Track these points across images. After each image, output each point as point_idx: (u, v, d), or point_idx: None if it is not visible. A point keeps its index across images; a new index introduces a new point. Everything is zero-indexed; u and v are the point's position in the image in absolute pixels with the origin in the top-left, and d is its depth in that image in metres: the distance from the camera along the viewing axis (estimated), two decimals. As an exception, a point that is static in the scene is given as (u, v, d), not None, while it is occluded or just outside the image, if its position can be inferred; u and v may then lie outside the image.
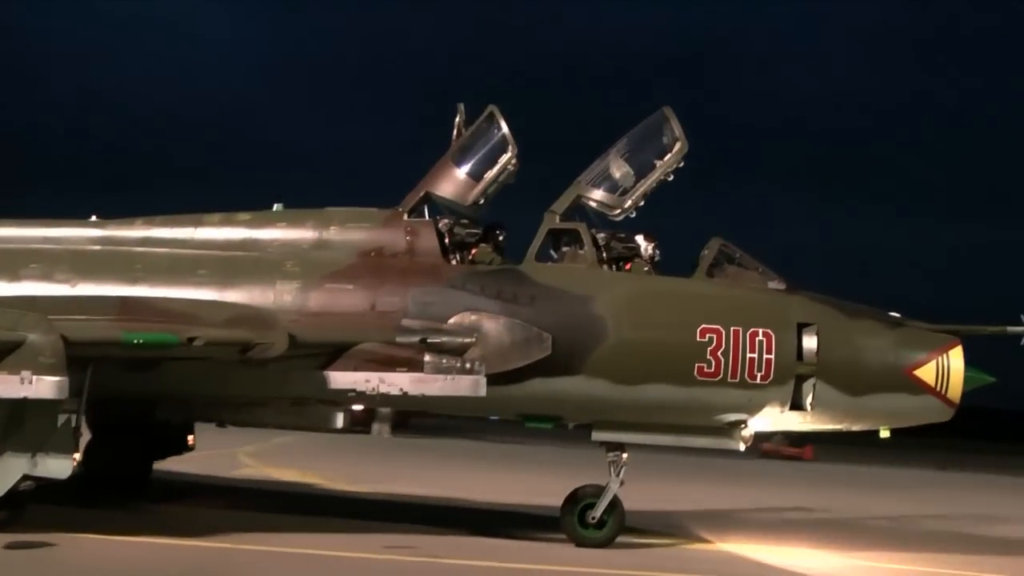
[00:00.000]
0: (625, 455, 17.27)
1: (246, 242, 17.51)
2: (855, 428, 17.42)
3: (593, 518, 17.11)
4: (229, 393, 17.00)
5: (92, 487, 19.47)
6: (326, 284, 16.83)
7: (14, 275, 17.14)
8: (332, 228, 17.43)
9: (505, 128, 17.28)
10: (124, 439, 19.95)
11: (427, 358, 16.14)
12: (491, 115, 17.45)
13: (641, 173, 17.25)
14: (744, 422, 16.94)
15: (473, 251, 17.32)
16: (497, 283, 16.78)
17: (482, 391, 16.06)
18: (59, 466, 15.02)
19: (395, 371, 16.11)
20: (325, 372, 16.18)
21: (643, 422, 17.05)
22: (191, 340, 15.30)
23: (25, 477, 15.09)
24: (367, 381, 16.13)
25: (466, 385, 16.06)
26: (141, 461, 20.26)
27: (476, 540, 17.57)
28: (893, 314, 17.35)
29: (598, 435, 17.22)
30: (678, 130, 17.15)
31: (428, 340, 16.26)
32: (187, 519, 17.58)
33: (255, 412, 17.70)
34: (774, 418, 16.89)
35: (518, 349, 16.32)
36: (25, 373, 14.43)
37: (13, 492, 15.10)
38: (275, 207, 18.15)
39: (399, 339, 16.25)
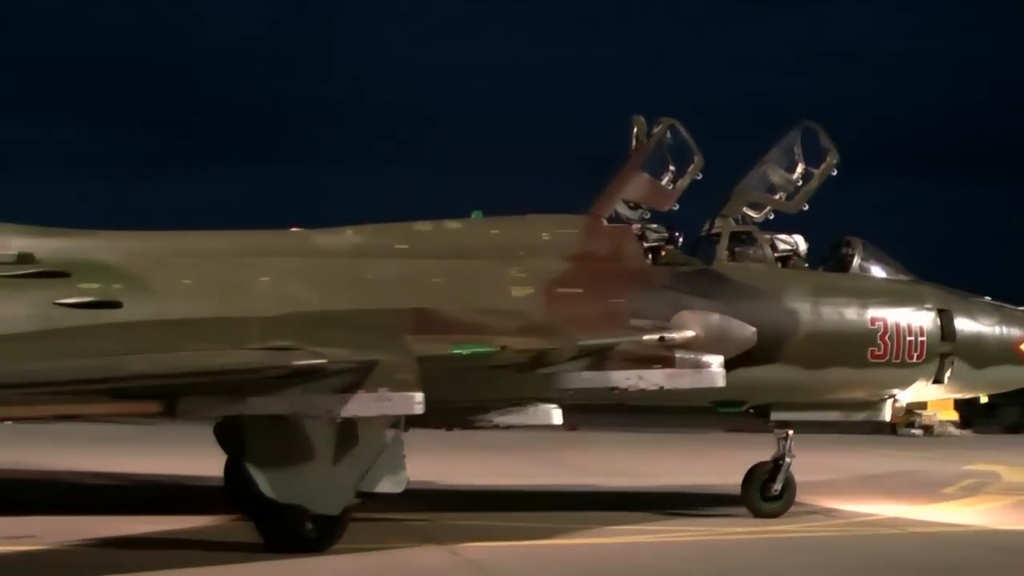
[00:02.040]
0: (792, 432, 19.46)
1: (459, 249, 17.97)
2: (972, 395, 20.56)
3: (774, 491, 19.19)
4: (484, 397, 17.50)
5: (236, 499, 19.29)
6: (557, 289, 17.70)
7: (246, 288, 16.79)
8: (542, 235, 18.27)
9: (690, 138, 18.86)
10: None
11: (678, 355, 17.49)
12: (673, 126, 18.94)
13: (801, 178, 19.34)
14: (895, 396, 19.58)
15: (662, 253, 18.77)
16: (701, 282, 18.39)
17: (722, 383, 17.66)
18: (393, 481, 15.20)
19: (651, 368, 17.35)
20: (589, 373, 17.15)
21: (816, 401, 19.30)
22: (503, 349, 15.91)
23: (358, 494, 15.17)
24: (627, 379, 17.28)
25: (711, 377, 17.59)
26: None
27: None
28: (986, 298, 20.58)
29: (777, 415, 19.30)
30: (828, 141, 19.41)
31: (664, 337, 17.63)
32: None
33: (487, 413, 18.21)
34: (918, 391, 19.67)
35: (731, 342, 18.03)
36: (383, 391, 14.59)
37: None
38: (473, 214, 18.67)
39: (644, 339, 17.49)
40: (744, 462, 19.91)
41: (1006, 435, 48.10)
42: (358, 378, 14.52)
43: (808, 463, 19.12)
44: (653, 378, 17.40)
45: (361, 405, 14.58)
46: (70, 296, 16.24)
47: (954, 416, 54.57)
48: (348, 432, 14.85)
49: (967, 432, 56.75)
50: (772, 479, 19.28)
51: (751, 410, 19.60)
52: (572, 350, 16.74)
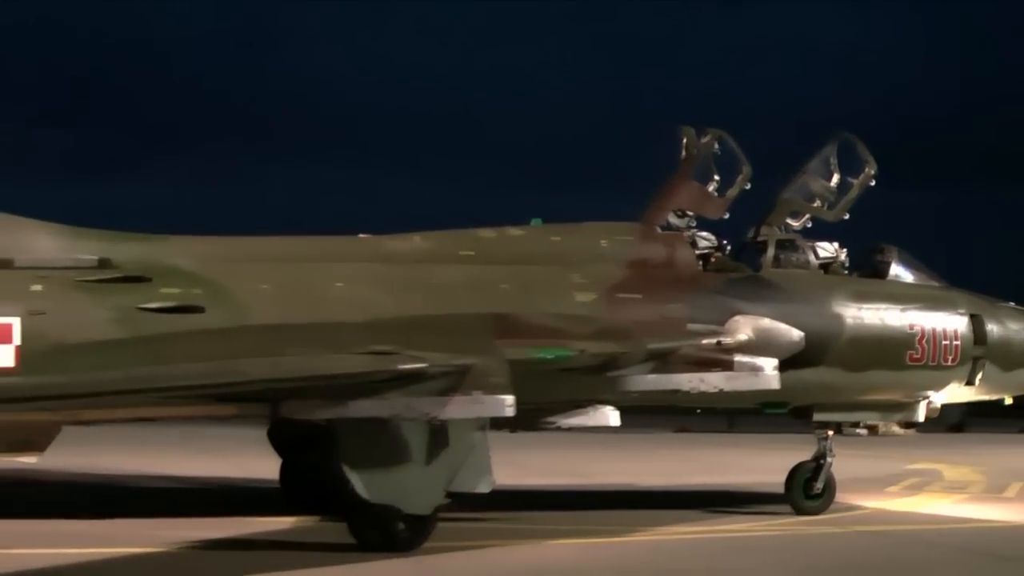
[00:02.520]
0: (831, 432, 20.21)
1: (522, 255, 18.46)
2: (999, 397, 21.44)
3: (817, 489, 19.93)
4: (553, 399, 17.98)
5: (291, 503, 19.72)
6: (617, 295, 18.26)
7: (317, 294, 17.15)
8: (600, 242, 18.81)
9: (738, 149, 19.52)
10: (317, 455, 20.10)
11: (737, 358, 18.14)
12: (721, 137, 19.58)
13: (840, 187, 20.06)
14: (929, 398, 20.39)
15: (712, 259, 19.41)
16: (751, 288, 19.06)
17: (777, 385, 18.34)
18: (480, 481, 15.66)
19: (712, 371, 17.98)
20: (654, 376, 17.76)
21: (856, 402, 20.05)
22: (581, 353, 16.47)
23: (447, 494, 15.62)
24: (689, 381, 17.91)
25: (766, 380, 18.27)
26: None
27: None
28: (1010, 303, 21.45)
29: (819, 416, 20.02)
30: (866, 152, 20.16)
31: (721, 342, 18.27)
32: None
33: (552, 415, 18.66)
34: (951, 393, 20.51)
35: (781, 346, 18.71)
36: (476, 394, 15.07)
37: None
38: (533, 222, 19.17)
39: (704, 343, 18.11)
40: (696, 461, 20.57)
41: (949, 434, 48.68)
42: (454, 382, 15.01)
43: (755, 463, 19.72)
44: (714, 381, 18.05)
45: (457, 408, 15.06)
46: (153, 301, 16.53)
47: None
48: (439, 434, 15.29)
49: (910, 431, 58.20)
50: (815, 478, 20.03)
51: (793, 411, 20.29)
52: (642, 354, 17.33)
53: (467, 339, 16.10)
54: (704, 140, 19.64)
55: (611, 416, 18.81)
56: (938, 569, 15.51)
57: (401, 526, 15.46)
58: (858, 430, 29.85)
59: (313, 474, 20.35)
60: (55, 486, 23.97)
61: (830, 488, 20.17)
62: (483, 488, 15.74)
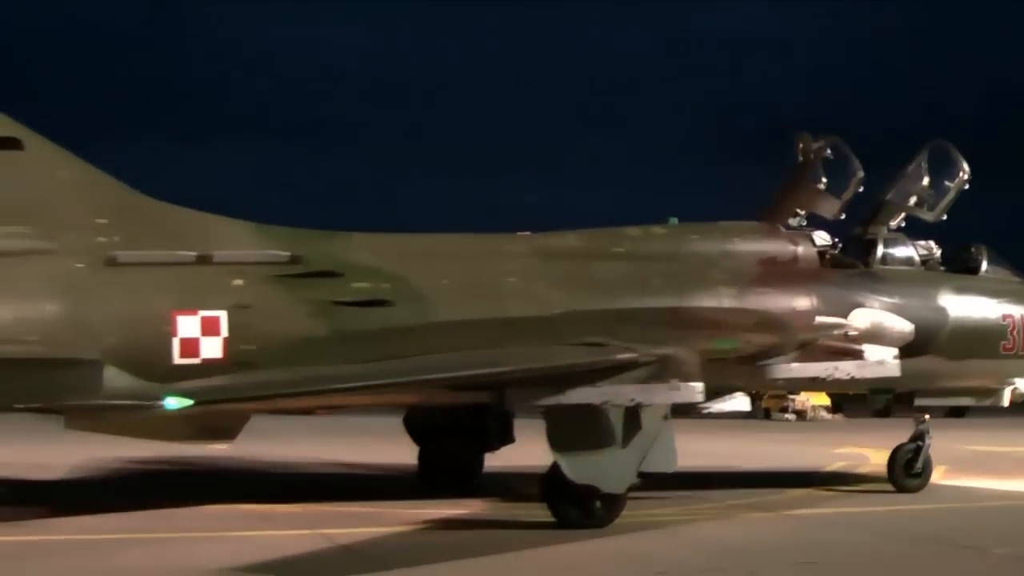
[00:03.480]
0: (928, 416, 21.84)
1: (665, 253, 19.70)
2: None
3: (917, 468, 21.54)
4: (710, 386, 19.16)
5: (431, 486, 20.81)
6: (755, 289, 19.59)
7: (496, 288, 18.20)
8: (735, 240, 20.13)
9: (851, 153, 20.99)
10: (454, 440, 21.26)
11: (865, 347, 19.59)
12: (836, 144, 21.03)
13: (939, 190, 21.62)
14: (1015, 384, 22.09)
15: (826, 257, 20.85)
16: (866, 283, 20.53)
17: (898, 372, 19.84)
18: (666, 462, 16.93)
19: (844, 360, 19.42)
20: (797, 364, 19.14)
21: (954, 388, 21.66)
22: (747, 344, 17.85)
23: (638, 474, 16.86)
24: (825, 370, 19.32)
25: (891, 368, 19.75)
26: (473, 457, 21.55)
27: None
28: None
29: (920, 401, 21.60)
30: (959, 156, 21.75)
31: (848, 333, 19.73)
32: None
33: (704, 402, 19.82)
34: None
35: (896, 337, 20.22)
36: (673, 381, 16.36)
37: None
38: (671, 220, 20.42)
39: (834, 334, 19.54)
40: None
41: (875, 419, 47.92)
42: (656, 370, 16.28)
43: (684, 448, 21.23)
44: (847, 369, 19.49)
45: (657, 394, 16.35)
46: (346, 295, 17.46)
47: (826, 401, 58.20)
48: (634, 419, 16.52)
49: (838, 416, 59.84)
50: (915, 458, 21.62)
51: (897, 396, 21.84)
52: (794, 344, 18.71)
53: (663, 331, 17.31)
54: (818, 145, 21.05)
55: (745, 403, 20.22)
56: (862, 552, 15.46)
57: (598, 504, 16.67)
58: (786, 415, 30.22)
59: (451, 459, 21.53)
60: (231, 472, 24.96)
61: (928, 467, 21.78)
62: (669, 468, 17.01)
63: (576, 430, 16.35)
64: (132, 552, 14.78)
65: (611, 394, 16.12)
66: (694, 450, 23.32)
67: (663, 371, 16.36)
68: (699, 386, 16.53)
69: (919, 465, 21.68)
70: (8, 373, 16.01)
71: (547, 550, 15.00)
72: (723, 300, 19.15)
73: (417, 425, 21.59)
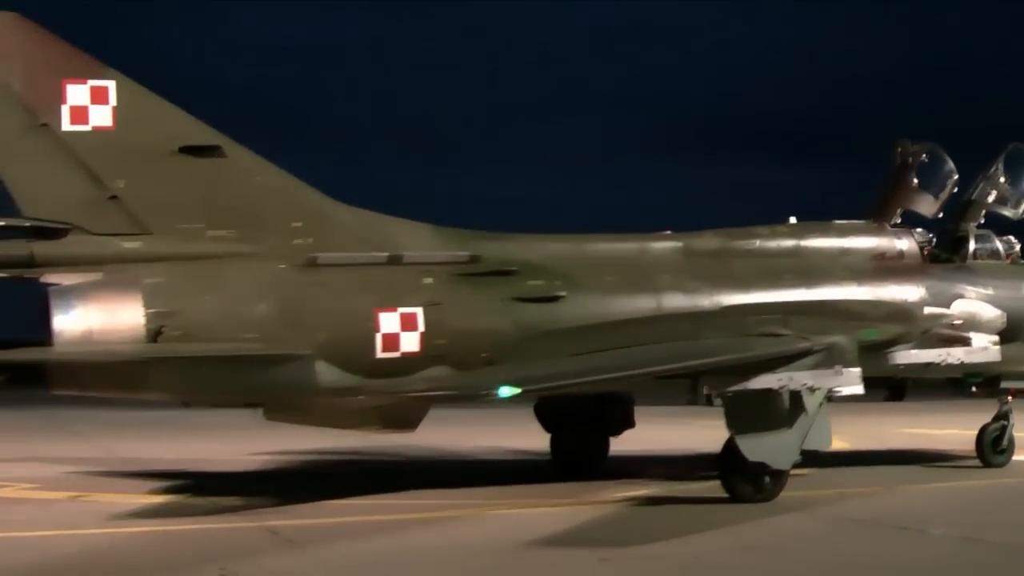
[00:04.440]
0: (1011, 397, 23.73)
1: (791, 250, 21.33)
2: None
3: (1003, 446, 23.43)
4: None
5: (563, 469, 22.31)
6: (871, 283, 21.29)
7: (653, 284, 19.69)
8: (850, 237, 21.80)
9: (947, 158, 22.79)
10: (582, 426, 22.75)
11: (973, 335, 21.39)
12: (933, 148, 22.82)
13: (1019, 189, 23.48)
14: None
15: (925, 252, 22.63)
16: (963, 276, 22.33)
17: (999, 358, 21.66)
18: (822, 440, 18.60)
19: (955, 347, 21.21)
20: (915, 351, 20.89)
21: None
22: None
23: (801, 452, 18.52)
24: (939, 356, 21.08)
25: (993, 354, 21.57)
26: (600, 442, 23.04)
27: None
28: None
29: (1005, 384, 23.43)
30: None
31: (953, 323, 21.54)
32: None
33: None
34: None
35: (992, 326, 22.06)
36: (838, 367, 18.06)
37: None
38: (790, 220, 22.04)
39: (943, 323, 21.33)
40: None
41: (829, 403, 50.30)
42: (824, 358, 17.95)
43: (632, 435, 22.54)
44: (957, 355, 21.29)
45: (825, 380, 18.06)
46: (523, 291, 18.83)
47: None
48: (799, 402, 18.16)
49: None
50: (1001, 436, 23.50)
51: (984, 379, 23.66)
52: (917, 333, 20.47)
53: (823, 322, 18.97)
54: (916, 149, 22.83)
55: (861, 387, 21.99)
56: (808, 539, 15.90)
57: (767, 480, 18.31)
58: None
59: (580, 445, 23.00)
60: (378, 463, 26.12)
61: (1012, 444, 23.68)
62: (826, 447, 18.70)
63: (753, 413, 17.97)
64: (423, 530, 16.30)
65: (787, 380, 17.78)
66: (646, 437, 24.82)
67: (829, 358, 18.06)
68: (858, 371, 18.28)
69: (1004, 442, 23.57)
70: (228, 369, 17.20)
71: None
72: (860, 293, 20.79)
73: (547, 414, 22.99)
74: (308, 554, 14.63)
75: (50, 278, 17.32)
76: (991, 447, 23.63)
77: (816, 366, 17.94)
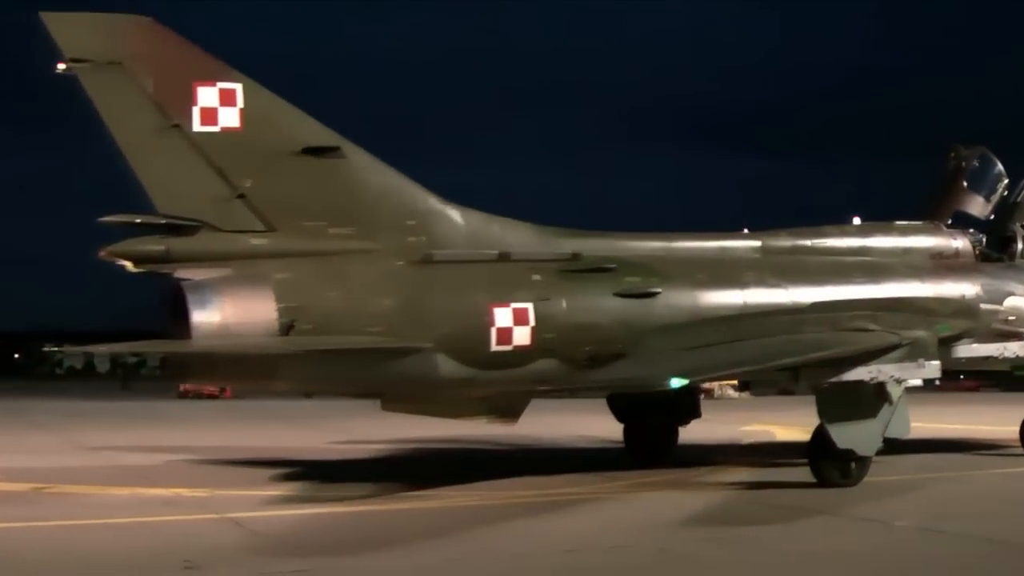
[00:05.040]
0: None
1: (858, 249, 22.49)
2: None
3: None
4: None
5: (636, 459, 23.40)
6: (933, 280, 22.49)
7: (739, 280, 20.75)
8: (910, 237, 23.01)
9: (997, 161, 24.08)
10: (654, 416, 23.82)
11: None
12: (984, 153, 24.09)
13: None
14: None
15: (977, 251, 23.88)
16: (1013, 274, 23.64)
17: None
18: (903, 428, 19.81)
19: (1011, 341, 22.49)
20: (977, 345, 22.17)
21: None
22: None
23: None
24: (996, 350, 22.38)
25: None
26: (670, 431, 24.11)
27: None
28: None
29: None
30: None
31: (1008, 319, 22.83)
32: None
33: None
34: None
35: None
36: (921, 360, 19.29)
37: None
38: (854, 220, 23.20)
39: (999, 318, 22.62)
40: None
41: (780, 397, 49.87)
42: (909, 352, 19.14)
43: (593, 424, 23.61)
44: (1013, 349, 22.62)
45: (910, 372, 19.26)
46: (622, 288, 19.80)
47: (732, 380, 61.56)
48: (883, 392, 19.33)
49: (745, 395, 62.50)
50: None
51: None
52: (981, 328, 21.72)
53: (905, 318, 20.15)
54: (969, 153, 24.09)
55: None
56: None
57: (853, 466, 19.48)
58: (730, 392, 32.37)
59: (652, 434, 24.07)
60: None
61: None
62: (905, 434, 19.91)
63: (844, 403, 19.14)
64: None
65: (877, 372, 18.94)
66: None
67: (913, 352, 19.24)
68: (937, 364, 19.50)
69: None
70: (356, 361, 18.01)
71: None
72: (928, 290, 21.99)
73: (620, 404, 24.01)
74: (271, 545, 14.79)
75: (182, 273, 18.03)
76: None
77: (902, 359, 19.11)
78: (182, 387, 60.50)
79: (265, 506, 18.05)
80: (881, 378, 19.06)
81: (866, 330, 19.75)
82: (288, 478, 21.55)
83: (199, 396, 58.89)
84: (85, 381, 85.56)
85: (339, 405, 44.37)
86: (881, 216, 23.65)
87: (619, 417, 24.32)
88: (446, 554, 14.21)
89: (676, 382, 17.05)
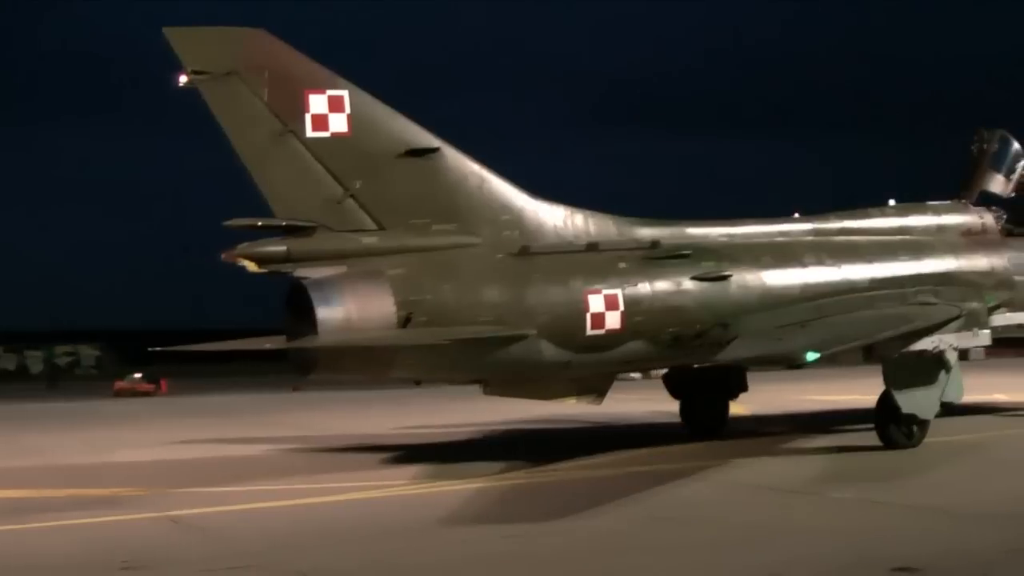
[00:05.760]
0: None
1: (899, 228, 24.16)
2: None
3: None
4: None
5: (693, 432, 24.94)
6: (971, 254, 24.21)
7: (800, 261, 22.32)
8: (943, 216, 24.72)
9: (1018, 144, 25.86)
10: (707, 392, 25.32)
11: None
12: (1004, 136, 25.86)
13: None
14: None
15: (1000, 227, 25.65)
16: None
17: None
18: (957, 394, 21.58)
19: None
20: (1010, 314, 23.86)
21: None
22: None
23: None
24: None
25: None
26: (723, 406, 25.64)
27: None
28: None
29: None
30: None
31: (1034, 290, 24.65)
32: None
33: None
34: None
35: None
36: (975, 329, 21.04)
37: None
38: (890, 202, 24.84)
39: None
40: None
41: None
42: (967, 322, 20.85)
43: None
44: None
45: (967, 340, 21.09)
46: (700, 271, 21.24)
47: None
48: (941, 360, 21.04)
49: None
50: None
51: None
52: (1020, 299, 23.51)
53: (960, 291, 21.87)
54: (993, 136, 25.85)
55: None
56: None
57: (916, 428, 21.22)
58: (632, 374, 33.28)
59: (706, 409, 25.56)
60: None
61: None
62: (959, 399, 21.69)
63: (910, 371, 20.88)
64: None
65: (939, 342, 20.64)
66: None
67: (969, 322, 20.97)
68: (988, 332, 21.28)
69: None
70: (468, 350, 19.25)
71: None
72: (972, 264, 23.74)
73: (675, 382, 25.46)
74: (210, 542, 15.02)
75: (300, 272, 19.14)
76: None
77: (960, 329, 20.81)
78: (117, 386, 60.05)
79: (204, 503, 18.16)
80: (942, 347, 20.76)
81: (930, 303, 21.44)
82: (229, 476, 21.73)
83: (134, 393, 58.40)
84: (19, 383, 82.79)
85: (288, 399, 45.47)
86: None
87: (674, 394, 25.75)
88: (397, 544, 14.44)
89: (812, 356, 18.59)
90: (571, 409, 25.05)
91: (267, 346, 20.00)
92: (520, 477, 19.84)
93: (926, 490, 17.14)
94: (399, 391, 44.18)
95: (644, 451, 22.80)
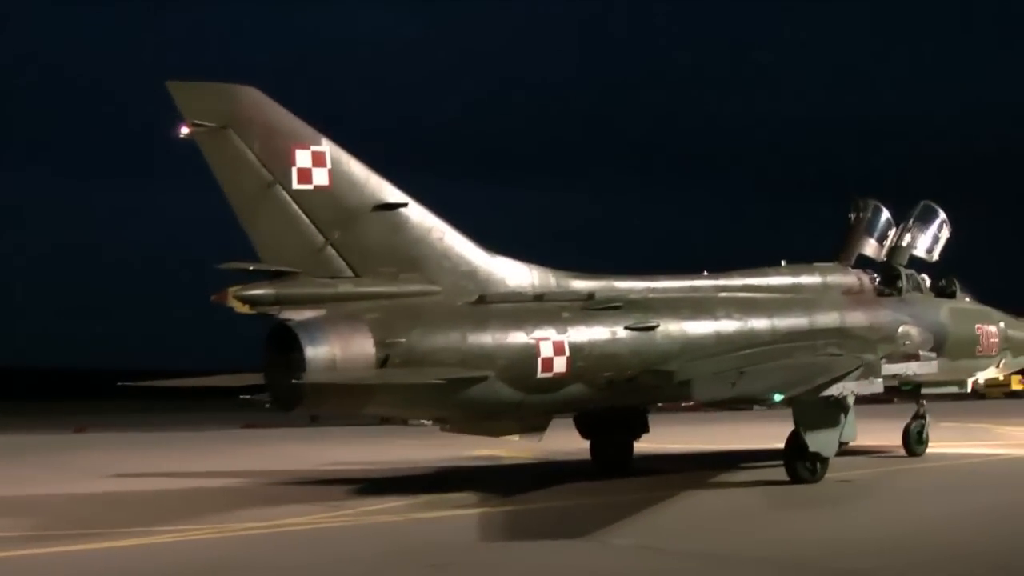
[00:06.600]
0: (924, 401, 30.47)
1: (792, 287, 27.05)
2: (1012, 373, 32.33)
3: (924, 438, 30.20)
4: None
5: (601, 470, 27.22)
6: (850, 312, 27.29)
7: (713, 314, 24.96)
8: (828, 277, 27.77)
9: (888, 212, 29.21)
10: (614, 433, 27.59)
11: (921, 353, 27.73)
12: (877, 205, 29.18)
13: (932, 237, 30.17)
14: (977, 378, 31.04)
15: (875, 288, 28.87)
16: (903, 306, 28.75)
17: (936, 370, 28.04)
18: (851, 434, 24.55)
19: (911, 361, 27.43)
20: (887, 364, 26.83)
21: (943, 381, 30.26)
22: None
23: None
24: (906, 368, 26.94)
25: (934, 366, 27.77)
26: (628, 446, 27.92)
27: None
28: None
29: (926, 390, 30.05)
30: (942, 213, 30.33)
31: (905, 343, 27.89)
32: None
33: None
34: (987, 374, 31.29)
35: (925, 344, 28.57)
36: (871, 378, 24.00)
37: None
38: (782, 263, 27.70)
39: (903, 343, 27.65)
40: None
41: None
42: (866, 371, 23.74)
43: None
44: (913, 368, 27.34)
45: (865, 387, 23.91)
46: (630, 322, 23.56)
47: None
48: (844, 404, 23.92)
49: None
50: (921, 431, 30.27)
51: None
52: (897, 351, 26.70)
53: (856, 344, 24.81)
54: (865, 205, 29.14)
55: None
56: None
57: (819, 466, 24.05)
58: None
59: (614, 448, 27.75)
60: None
61: (927, 439, 30.47)
62: (853, 438, 24.68)
63: (817, 414, 23.61)
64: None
65: (844, 388, 23.42)
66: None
67: (867, 371, 23.87)
68: (881, 380, 24.21)
69: (924, 436, 30.29)
70: (438, 389, 20.99)
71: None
72: (860, 319, 26.83)
73: (586, 422, 27.54)
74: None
75: (285, 314, 20.67)
76: (914, 440, 30.32)
77: (859, 378, 23.67)
78: None
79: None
80: (845, 393, 23.58)
81: (837, 355, 24.30)
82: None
83: None
84: None
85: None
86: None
87: (584, 434, 27.87)
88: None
89: (778, 398, 21.09)
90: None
91: (249, 383, 21.35)
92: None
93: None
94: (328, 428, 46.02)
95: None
